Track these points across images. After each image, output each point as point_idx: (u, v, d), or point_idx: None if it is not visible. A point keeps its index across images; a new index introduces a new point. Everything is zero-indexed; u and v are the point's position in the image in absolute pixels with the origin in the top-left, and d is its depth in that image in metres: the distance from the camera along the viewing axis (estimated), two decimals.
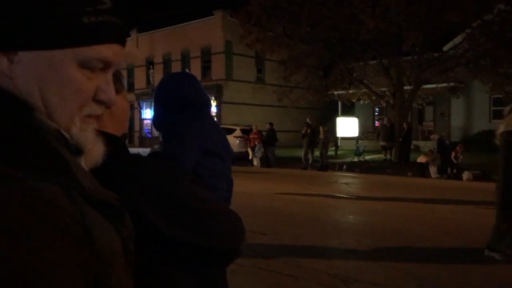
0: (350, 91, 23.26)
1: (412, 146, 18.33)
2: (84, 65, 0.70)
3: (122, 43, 0.76)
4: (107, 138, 0.99)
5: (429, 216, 8.39)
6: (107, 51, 0.72)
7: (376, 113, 29.09)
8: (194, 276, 1.15)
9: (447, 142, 15.76)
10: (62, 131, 0.70)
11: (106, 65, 0.74)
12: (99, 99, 0.75)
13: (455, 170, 15.04)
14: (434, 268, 5.30)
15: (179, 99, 1.53)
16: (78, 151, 0.73)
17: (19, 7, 0.65)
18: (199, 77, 30.61)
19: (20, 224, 0.54)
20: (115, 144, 1.05)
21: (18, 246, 0.53)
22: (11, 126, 0.64)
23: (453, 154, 15.06)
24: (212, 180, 1.40)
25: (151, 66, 34.20)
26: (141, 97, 33.35)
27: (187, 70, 31.59)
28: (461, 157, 15.06)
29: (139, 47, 33.57)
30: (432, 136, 16.24)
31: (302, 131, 18.40)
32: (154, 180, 1.06)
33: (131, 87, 32.83)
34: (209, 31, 29.79)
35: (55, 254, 0.56)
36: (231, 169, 1.64)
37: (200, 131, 1.49)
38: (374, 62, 20.67)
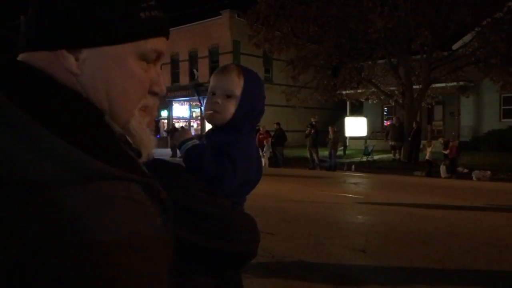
0: (359, 91, 23.16)
1: (421, 146, 18.18)
2: (142, 57, 0.75)
3: (168, 36, 0.82)
4: None
5: (439, 216, 8.31)
6: (160, 43, 0.78)
7: (385, 113, 28.93)
8: (211, 277, 1.19)
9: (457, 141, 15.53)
10: (127, 136, 0.75)
11: (158, 56, 0.79)
12: (152, 90, 0.80)
13: (466, 170, 14.89)
14: (446, 269, 5.23)
15: (250, 109, 1.29)
16: (139, 154, 0.77)
17: (82, 5, 0.68)
18: (206, 78, 30.67)
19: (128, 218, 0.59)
20: None
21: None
22: (94, 129, 0.67)
23: (448, 151, 14.87)
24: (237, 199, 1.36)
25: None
26: None
27: (195, 71, 31.69)
28: (454, 153, 14.80)
29: None
30: (440, 139, 16.09)
31: (306, 132, 18.36)
32: (169, 189, 1.07)
33: None
34: (217, 31, 29.80)
35: (155, 249, 0.62)
36: None
37: (251, 160, 1.31)
38: (382, 61, 20.55)
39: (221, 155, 1.23)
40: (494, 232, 7.05)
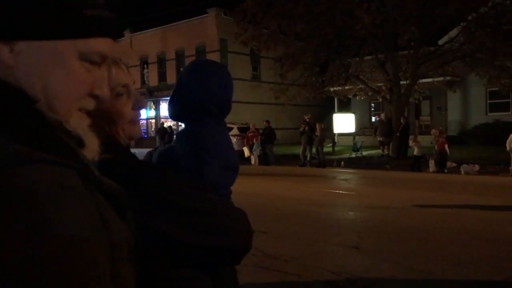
0: (347, 87, 23.19)
1: (409, 141, 18.27)
2: (84, 57, 0.72)
3: (117, 37, 0.79)
4: (110, 145, 1.06)
5: (430, 211, 8.33)
6: (104, 44, 0.74)
7: (372, 109, 29.05)
8: (206, 277, 1.19)
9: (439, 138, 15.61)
10: (64, 124, 0.71)
11: (103, 59, 0.75)
12: (93, 93, 0.76)
13: (454, 164, 14.98)
14: (439, 263, 5.22)
15: (208, 100, 1.34)
16: (80, 143, 0.74)
17: None
18: None
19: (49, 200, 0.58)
20: (118, 151, 1.12)
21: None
22: (21, 116, 0.66)
23: (436, 148, 14.96)
24: (223, 191, 1.38)
25: (145, 66, 34.05)
26: None
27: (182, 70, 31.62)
28: (447, 149, 14.88)
29: (133, 46, 33.40)
30: (432, 131, 16.12)
31: (301, 129, 18.37)
32: (159, 189, 1.09)
33: None
34: (203, 29, 29.66)
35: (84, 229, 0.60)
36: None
37: (224, 145, 1.38)
38: (370, 57, 20.60)
39: (190, 145, 1.30)
40: (486, 226, 7.08)
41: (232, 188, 1.44)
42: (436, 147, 14.92)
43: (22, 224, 0.55)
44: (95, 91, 0.76)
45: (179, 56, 31.62)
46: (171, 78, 32.00)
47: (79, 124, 0.75)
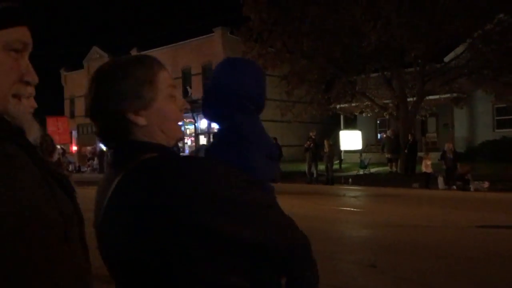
0: (353, 104, 23.21)
1: (417, 158, 18.17)
2: (8, 47, 0.79)
3: (30, 25, 0.84)
4: (154, 147, 1.10)
5: (444, 228, 8.23)
6: (23, 32, 0.81)
7: (379, 126, 29.00)
8: (246, 279, 1.09)
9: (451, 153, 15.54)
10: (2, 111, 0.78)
11: (24, 46, 0.82)
12: (25, 79, 0.83)
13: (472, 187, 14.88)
14: (458, 281, 5.13)
15: (244, 97, 1.32)
16: (20, 130, 0.81)
17: None
18: (200, 94, 30.57)
19: None
20: (164, 152, 1.10)
21: None
22: None
23: (458, 168, 14.90)
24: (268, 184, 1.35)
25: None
26: None
27: (188, 88, 31.66)
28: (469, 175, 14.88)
29: None
30: (447, 145, 16.04)
31: (306, 145, 18.34)
32: (220, 187, 1.04)
33: None
34: (210, 48, 29.86)
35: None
36: None
37: (265, 136, 1.35)
38: (376, 74, 20.65)
39: (234, 139, 1.28)
40: (503, 243, 6.98)
41: None
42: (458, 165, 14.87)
43: None
44: (25, 77, 0.83)
45: (186, 74, 31.80)
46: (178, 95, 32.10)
47: (18, 110, 0.81)
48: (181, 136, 1.22)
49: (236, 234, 1.02)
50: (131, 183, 1.03)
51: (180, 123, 1.21)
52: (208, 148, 1.34)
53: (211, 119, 1.37)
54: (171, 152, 1.16)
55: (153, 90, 1.12)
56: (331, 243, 7.23)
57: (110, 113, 1.10)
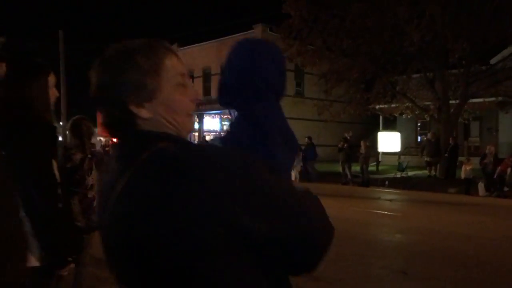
0: (393, 105, 22.66)
1: (458, 163, 17.55)
2: None
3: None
4: (164, 136, 1.02)
5: (481, 236, 7.88)
6: None
7: (419, 128, 28.25)
8: (264, 276, 1.01)
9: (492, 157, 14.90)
10: None
11: None
12: None
13: (506, 188, 14.23)
14: None
15: (262, 82, 1.21)
16: None
17: None
18: None
19: None
20: (177, 140, 1.01)
21: None
22: None
23: (498, 169, 14.23)
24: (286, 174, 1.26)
25: (191, 80, 34.56)
26: None
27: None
28: (509, 172, 14.17)
29: None
30: (488, 147, 15.42)
31: (339, 145, 18.09)
32: (250, 177, 0.94)
33: None
34: None
35: None
36: None
37: (283, 124, 1.25)
38: (418, 75, 20.08)
39: (251, 127, 1.18)
40: None
41: None
42: (498, 168, 14.20)
43: None
44: None
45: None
46: (216, 92, 32.31)
47: None
48: (192, 128, 1.15)
49: (265, 229, 0.93)
50: (148, 175, 0.93)
51: (191, 114, 1.12)
52: (224, 136, 1.23)
53: (226, 105, 1.27)
54: (185, 141, 1.07)
55: (158, 80, 1.04)
56: (362, 246, 7.05)
57: (113, 103, 1.04)
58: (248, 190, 0.92)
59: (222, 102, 1.26)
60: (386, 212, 10.70)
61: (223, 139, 1.22)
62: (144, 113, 1.03)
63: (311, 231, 1.02)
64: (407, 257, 6.41)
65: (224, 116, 32.36)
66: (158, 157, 0.95)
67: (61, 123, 23.96)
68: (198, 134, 32.56)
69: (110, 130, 1.08)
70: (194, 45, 33.73)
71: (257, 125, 1.17)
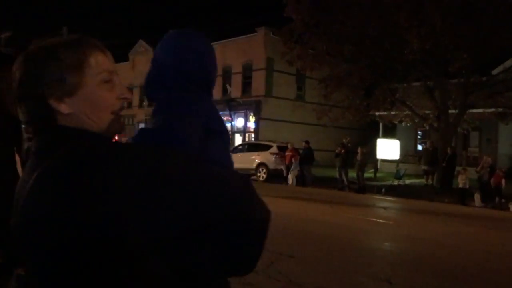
0: (392, 112, 22.61)
1: (455, 172, 17.47)
2: None
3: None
4: (82, 134, 0.99)
5: (473, 249, 7.81)
6: None
7: (419, 137, 28.19)
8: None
9: (491, 169, 14.85)
10: None
11: None
12: None
13: (503, 200, 14.15)
14: None
15: (181, 69, 1.16)
16: None
17: None
18: (239, 93, 30.69)
19: None
20: (93, 139, 0.99)
21: None
22: None
23: (492, 180, 14.17)
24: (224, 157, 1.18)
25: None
26: None
27: (228, 86, 31.74)
28: (503, 183, 14.11)
29: None
30: (485, 158, 15.40)
31: (336, 151, 18.05)
32: (154, 171, 0.89)
33: None
34: (251, 47, 29.86)
35: None
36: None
37: (206, 112, 1.18)
38: (418, 83, 20.02)
39: (162, 117, 1.12)
40: None
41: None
42: (491, 180, 14.15)
43: None
44: None
45: (226, 73, 31.92)
46: (217, 94, 32.28)
47: None
48: (119, 129, 1.09)
49: (174, 219, 0.88)
50: (52, 175, 0.90)
51: (116, 113, 1.07)
52: (137, 133, 1.15)
53: (151, 100, 1.21)
54: (102, 139, 1.02)
55: (81, 75, 1.01)
56: (350, 253, 6.99)
57: (33, 98, 1.01)
58: (158, 187, 0.88)
59: (147, 97, 1.22)
60: (378, 220, 10.63)
61: (136, 135, 1.14)
62: (63, 108, 1.01)
63: (241, 217, 0.94)
64: (394, 266, 6.34)
65: (225, 118, 32.35)
66: (66, 156, 0.92)
67: None
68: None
69: (31, 126, 1.05)
70: None
71: (170, 117, 1.11)
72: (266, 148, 20.42)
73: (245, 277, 4.83)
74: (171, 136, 1.08)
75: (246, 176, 1.07)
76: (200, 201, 0.90)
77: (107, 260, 0.87)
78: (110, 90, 1.05)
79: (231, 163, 1.21)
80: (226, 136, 1.22)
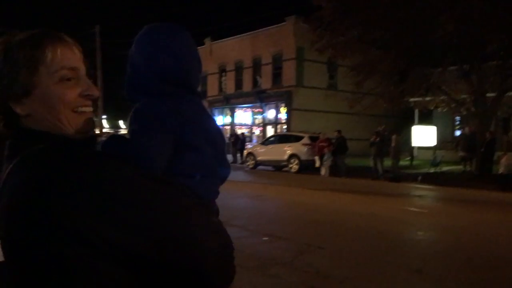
0: (427, 98, 21.97)
1: (494, 158, 16.84)
2: None
3: None
4: (43, 137, 0.96)
5: (509, 238, 7.52)
6: None
7: (457, 122, 27.34)
8: None
9: None
10: None
11: None
12: None
13: None
14: None
15: (157, 76, 1.10)
16: None
17: None
18: (269, 84, 30.57)
19: None
20: (53, 143, 0.96)
21: None
22: None
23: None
24: (200, 180, 1.10)
25: (223, 74, 34.64)
26: (214, 104, 33.80)
27: (258, 78, 31.63)
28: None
29: (212, 54, 34.12)
30: None
31: (371, 139, 17.73)
32: (106, 184, 0.88)
33: (203, 95, 33.33)
34: (281, 37, 29.62)
35: None
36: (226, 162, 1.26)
37: (179, 120, 1.09)
38: (453, 67, 19.36)
39: (135, 125, 1.07)
40: None
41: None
42: None
43: None
44: None
45: (256, 64, 31.85)
46: (247, 86, 32.29)
47: None
48: (89, 128, 1.03)
49: (120, 240, 0.87)
50: (11, 179, 0.92)
51: (82, 111, 1.02)
52: (105, 140, 1.12)
53: (130, 101, 1.16)
54: (62, 143, 0.98)
55: (35, 74, 0.97)
56: (381, 244, 6.86)
57: None
58: (100, 200, 0.86)
59: (127, 100, 1.17)
60: (413, 209, 10.39)
61: (104, 142, 1.11)
62: (20, 109, 0.98)
63: (188, 242, 0.92)
64: (426, 256, 6.18)
65: (256, 110, 32.34)
66: (22, 161, 0.93)
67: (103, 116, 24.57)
68: (230, 127, 32.68)
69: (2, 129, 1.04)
70: (227, 38, 33.77)
71: (138, 125, 1.07)
72: (297, 139, 20.28)
73: (269, 268, 4.78)
74: (138, 152, 1.04)
75: (207, 201, 1.05)
76: (142, 221, 0.88)
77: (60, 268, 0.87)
78: (71, 88, 1.00)
79: (210, 173, 1.14)
80: (204, 148, 1.13)
